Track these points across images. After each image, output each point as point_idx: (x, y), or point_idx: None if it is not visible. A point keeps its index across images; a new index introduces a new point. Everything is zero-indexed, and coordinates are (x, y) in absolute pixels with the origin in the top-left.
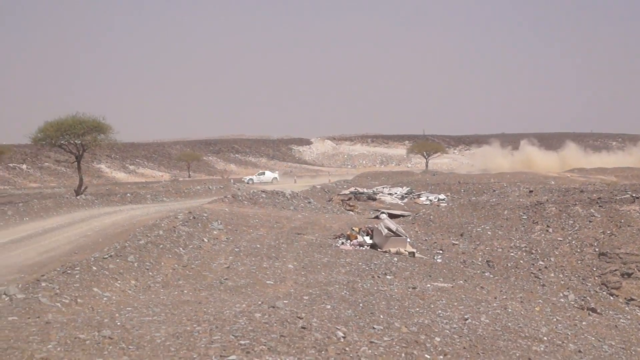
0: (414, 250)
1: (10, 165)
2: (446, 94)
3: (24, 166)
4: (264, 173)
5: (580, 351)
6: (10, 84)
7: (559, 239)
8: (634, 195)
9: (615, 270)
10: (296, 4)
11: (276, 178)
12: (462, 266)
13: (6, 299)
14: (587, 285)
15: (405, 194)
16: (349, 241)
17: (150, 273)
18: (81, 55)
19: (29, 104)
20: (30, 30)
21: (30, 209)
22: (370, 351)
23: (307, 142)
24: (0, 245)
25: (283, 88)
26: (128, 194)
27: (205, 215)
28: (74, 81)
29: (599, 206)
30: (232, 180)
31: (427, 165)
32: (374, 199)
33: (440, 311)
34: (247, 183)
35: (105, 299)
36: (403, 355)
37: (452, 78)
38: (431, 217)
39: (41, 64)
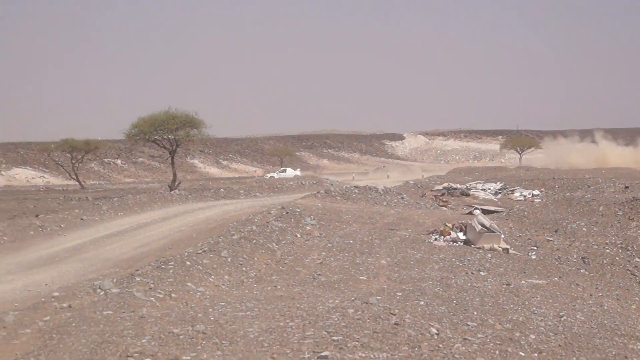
0: (508, 247)
1: (105, 160)
2: (540, 88)
3: (119, 161)
4: (285, 170)
5: None
6: (105, 80)
7: None
8: None
9: None
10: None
11: (297, 175)
12: (556, 263)
13: (101, 293)
14: None
15: (499, 189)
16: (442, 237)
17: (244, 268)
18: (174, 50)
19: (123, 100)
20: (126, 27)
21: (124, 203)
22: (464, 348)
23: (400, 138)
24: (96, 240)
25: (376, 83)
26: (221, 189)
27: (298, 210)
28: (168, 76)
29: None
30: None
31: (520, 161)
32: (467, 195)
33: (534, 308)
34: (269, 179)
35: (199, 293)
36: (497, 352)
37: (548, 72)
38: (525, 213)
39: (136, 60)
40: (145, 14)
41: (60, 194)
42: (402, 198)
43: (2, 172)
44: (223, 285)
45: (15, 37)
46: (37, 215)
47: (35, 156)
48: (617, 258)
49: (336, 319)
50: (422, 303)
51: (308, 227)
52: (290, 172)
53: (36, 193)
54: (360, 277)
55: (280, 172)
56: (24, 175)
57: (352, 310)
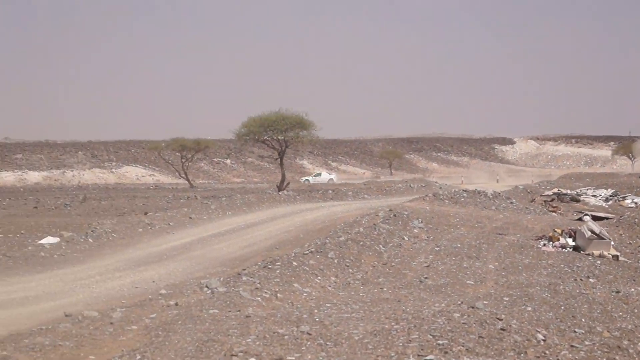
0: (618, 254)
1: (215, 159)
2: None
3: (228, 161)
4: (320, 174)
5: None
6: (215, 79)
7: None
8: None
9: None
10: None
11: (332, 179)
12: None
13: (208, 292)
14: None
15: (610, 196)
16: (550, 243)
17: (350, 270)
18: (285, 50)
19: (233, 99)
20: (238, 25)
21: (233, 203)
22: (570, 355)
23: (510, 142)
24: (203, 239)
25: (486, 87)
26: (330, 191)
27: (406, 213)
28: (277, 76)
29: None
30: (302, 179)
31: (633, 167)
32: (578, 201)
33: None
34: (304, 183)
35: (304, 294)
36: None
37: None
38: (636, 220)
39: (246, 59)
40: (257, 14)
41: (169, 192)
42: (511, 203)
43: (113, 170)
44: (329, 286)
45: (131, 36)
46: (146, 213)
47: (146, 154)
48: None
49: (442, 323)
50: (529, 309)
51: (416, 230)
52: (325, 176)
53: (146, 191)
54: (467, 281)
55: (315, 175)
56: (134, 173)
57: (458, 315)
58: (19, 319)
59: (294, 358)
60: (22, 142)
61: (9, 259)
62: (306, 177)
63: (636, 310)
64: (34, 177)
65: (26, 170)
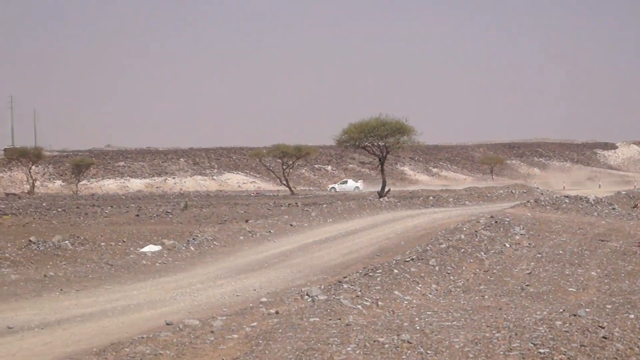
0: None
1: (316, 166)
2: None
3: (329, 167)
4: (346, 182)
5: None
6: (315, 87)
7: None
8: None
9: None
10: None
11: (358, 187)
12: None
13: (308, 300)
14: None
15: None
16: None
17: (451, 277)
18: (386, 56)
19: (334, 106)
20: (342, 32)
21: (333, 210)
22: None
23: (613, 147)
24: (304, 246)
25: (588, 89)
26: (430, 197)
27: (507, 219)
28: (377, 81)
29: None
30: (329, 187)
31: None
32: None
33: None
34: (330, 191)
35: (405, 302)
36: None
37: None
38: None
39: (344, 64)
40: (361, 18)
41: (270, 199)
42: (614, 209)
43: (214, 177)
44: (430, 294)
45: (233, 43)
46: (247, 221)
47: (247, 161)
48: None
49: (543, 331)
50: (632, 316)
51: (517, 237)
52: (351, 184)
53: (247, 198)
54: (569, 289)
55: (341, 183)
56: (235, 180)
57: (560, 322)
58: (120, 327)
59: None
60: (124, 149)
61: (111, 267)
62: (332, 185)
63: None
64: (135, 184)
65: (128, 177)
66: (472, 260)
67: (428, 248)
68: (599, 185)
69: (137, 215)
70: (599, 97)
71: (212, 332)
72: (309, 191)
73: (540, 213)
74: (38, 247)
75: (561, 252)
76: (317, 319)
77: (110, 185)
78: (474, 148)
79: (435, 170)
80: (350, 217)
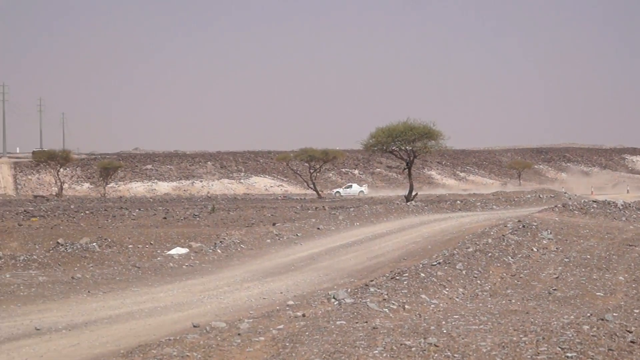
0: None
1: (343, 170)
2: None
3: (356, 171)
4: (351, 186)
5: None
6: (342, 91)
7: None
8: None
9: None
10: None
11: (362, 191)
12: None
13: (335, 303)
14: None
15: None
16: None
17: (478, 281)
18: (411, 61)
19: (362, 109)
20: (362, 36)
21: (361, 214)
22: None
23: None
24: (331, 250)
25: (616, 96)
26: (458, 201)
27: (535, 224)
28: (405, 87)
29: None
30: (334, 191)
31: None
32: None
33: None
34: (335, 195)
35: (432, 305)
36: None
37: None
38: None
39: (373, 70)
40: (384, 22)
41: (297, 202)
42: None
43: (242, 181)
44: (457, 297)
45: (261, 48)
46: (274, 224)
47: (274, 165)
48: None
49: (570, 335)
50: None
51: (544, 241)
52: (356, 188)
53: (274, 202)
54: (597, 293)
55: (346, 187)
56: (262, 184)
57: (587, 327)
58: (147, 329)
59: None
60: (152, 152)
61: (139, 270)
62: (337, 189)
63: None
64: (163, 187)
65: (156, 180)
66: (499, 265)
67: (455, 252)
68: (627, 190)
69: (165, 218)
70: (628, 102)
71: (238, 334)
72: (335, 194)
73: (568, 217)
74: (66, 249)
75: (589, 256)
76: (344, 322)
77: (138, 188)
78: (501, 153)
79: (462, 174)
80: (378, 221)
